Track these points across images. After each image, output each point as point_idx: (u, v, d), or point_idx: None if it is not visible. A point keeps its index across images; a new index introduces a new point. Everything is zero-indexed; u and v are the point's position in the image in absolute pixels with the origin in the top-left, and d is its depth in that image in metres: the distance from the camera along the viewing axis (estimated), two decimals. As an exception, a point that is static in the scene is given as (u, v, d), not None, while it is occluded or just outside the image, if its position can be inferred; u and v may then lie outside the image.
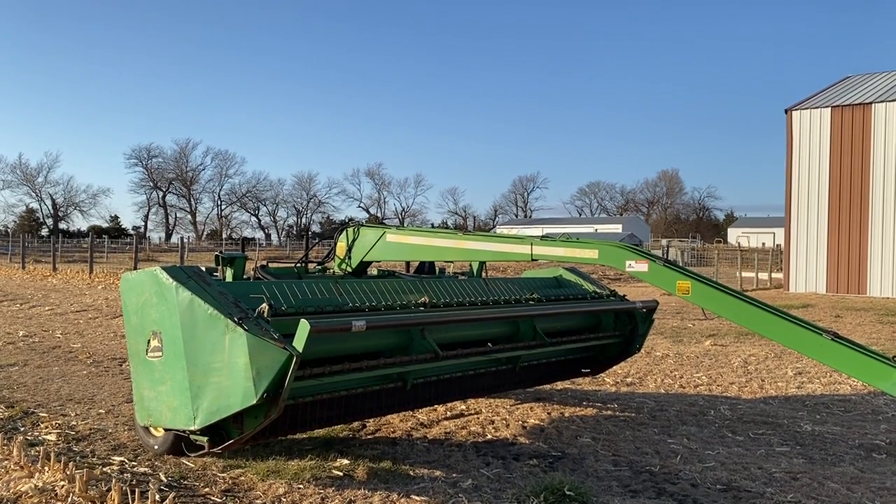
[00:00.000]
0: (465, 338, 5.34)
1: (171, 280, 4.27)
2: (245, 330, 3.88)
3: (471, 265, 6.79)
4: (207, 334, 4.08)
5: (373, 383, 4.80)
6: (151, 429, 4.83)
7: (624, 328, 6.43)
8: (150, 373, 4.52)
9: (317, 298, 4.69)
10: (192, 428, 4.26)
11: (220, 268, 5.08)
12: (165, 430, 4.66)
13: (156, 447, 4.82)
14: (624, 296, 6.56)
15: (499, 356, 5.57)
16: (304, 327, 3.82)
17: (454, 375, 5.36)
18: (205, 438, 4.29)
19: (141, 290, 4.55)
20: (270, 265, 5.77)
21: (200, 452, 4.42)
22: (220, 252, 5.21)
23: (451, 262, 7.32)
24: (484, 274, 6.71)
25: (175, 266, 4.50)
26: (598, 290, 6.57)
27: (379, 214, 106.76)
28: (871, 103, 22.16)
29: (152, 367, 4.49)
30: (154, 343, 4.45)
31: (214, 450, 4.30)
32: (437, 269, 6.78)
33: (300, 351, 3.77)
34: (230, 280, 4.98)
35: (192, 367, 4.18)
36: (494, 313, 5.53)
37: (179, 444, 4.59)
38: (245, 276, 5.18)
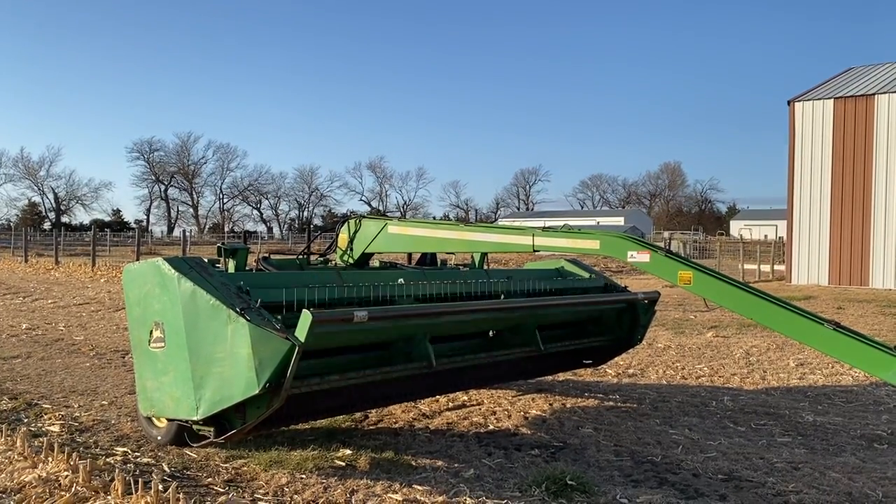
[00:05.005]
0: (465, 329, 5.34)
1: (173, 271, 4.28)
2: (247, 320, 3.89)
3: (472, 257, 6.80)
4: (210, 324, 4.09)
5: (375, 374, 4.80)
6: (154, 419, 4.85)
7: (626, 319, 6.43)
8: (152, 363, 4.54)
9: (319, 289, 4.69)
10: (194, 418, 4.28)
11: (222, 259, 5.09)
12: (168, 420, 4.68)
13: (159, 437, 4.84)
14: (626, 287, 6.56)
15: (501, 349, 5.57)
16: (306, 317, 3.83)
17: (455, 366, 5.36)
18: (207, 429, 4.30)
19: (143, 281, 4.56)
20: (272, 257, 5.77)
21: (203, 442, 4.45)
22: (223, 243, 5.22)
23: (453, 253, 7.32)
24: (485, 266, 6.71)
25: (177, 257, 4.50)
26: (599, 281, 6.56)
27: (381, 208, 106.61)
28: (873, 95, 22.09)
29: (155, 358, 4.50)
30: (156, 334, 4.46)
31: (217, 440, 4.32)
32: (438, 260, 6.78)
33: (302, 341, 3.78)
34: (232, 271, 4.99)
35: (195, 357, 4.19)
36: (495, 304, 5.53)
37: (182, 434, 4.60)
38: (247, 268, 5.19)
